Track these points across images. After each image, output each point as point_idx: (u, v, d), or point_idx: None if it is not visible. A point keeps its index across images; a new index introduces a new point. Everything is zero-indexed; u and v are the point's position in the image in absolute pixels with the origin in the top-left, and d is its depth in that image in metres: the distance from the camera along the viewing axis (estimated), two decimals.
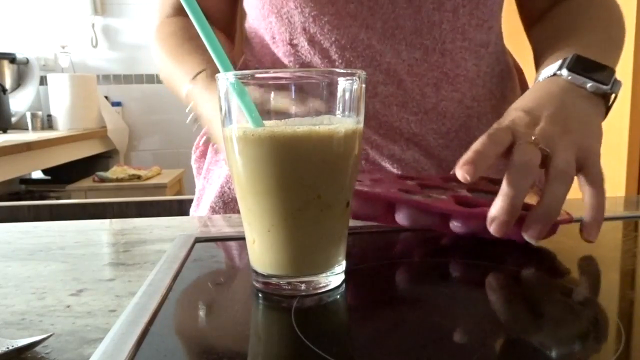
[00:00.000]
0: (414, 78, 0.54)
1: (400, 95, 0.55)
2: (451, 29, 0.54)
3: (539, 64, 0.55)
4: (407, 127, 0.55)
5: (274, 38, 0.58)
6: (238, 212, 0.61)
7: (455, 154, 0.56)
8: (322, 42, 0.54)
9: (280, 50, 0.57)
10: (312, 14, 0.54)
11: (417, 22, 0.53)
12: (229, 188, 0.61)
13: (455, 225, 0.41)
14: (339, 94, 0.31)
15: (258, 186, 0.31)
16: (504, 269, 0.38)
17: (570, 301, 0.32)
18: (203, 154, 0.70)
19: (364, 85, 0.33)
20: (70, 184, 2.42)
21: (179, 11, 0.66)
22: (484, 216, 0.38)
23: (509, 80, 0.63)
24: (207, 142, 0.70)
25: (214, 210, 0.62)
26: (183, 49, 0.60)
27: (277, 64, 0.58)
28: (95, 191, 2.35)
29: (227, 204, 0.61)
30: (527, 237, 0.38)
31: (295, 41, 0.56)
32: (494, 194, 0.38)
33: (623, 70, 1.62)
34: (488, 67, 0.59)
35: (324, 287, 0.33)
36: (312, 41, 0.55)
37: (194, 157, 0.71)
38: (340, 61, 0.54)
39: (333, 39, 0.53)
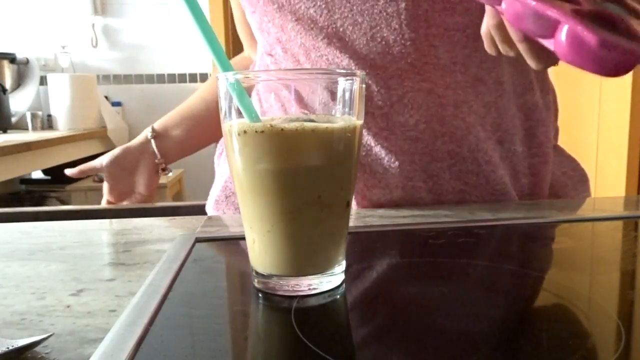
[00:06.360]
0: (377, 71, 0.54)
1: (364, 89, 0.54)
2: (412, 18, 0.52)
3: None
4: (373, 121, 0.54)
5: (260, 51, 0.63)
6: (238, 206, 0.62)
7: (428, 146, 0.55)
8: (292, 47, 0.56)
9: (267, 61, 0.62)
10: (280, 23, 0.56)
11: (374, 16, 0.53)
12: (231, 182, 0.64)
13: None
14: (339, 94, 0.31)
15: (258, 186, 0.31)
16: (504, 268, 0.38)
17: (570, 301, 0.32)
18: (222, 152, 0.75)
19: (363, 85, 0.33)
20: (70, 184, 2.42)
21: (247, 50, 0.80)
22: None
23: (507, 64, 0.58)
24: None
25: (217, 203, 0.66)
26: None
27: None
28: (95, 191, 2.35)
29: (228, 197, 0.65)
30: None
31: (273, 51, 0.59)
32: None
33: None
34: (473, 51, 0.55)
35: (324, 287, 0.33)
36: (284, 48, 0.57)
37: (216, 153, 0.77)
38: (307, 63, 0.56)
39: (299, 43, 0.55)
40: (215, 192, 0.68)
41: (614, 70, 0.28)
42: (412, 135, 0.55)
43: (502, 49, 0.40)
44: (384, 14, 0.52)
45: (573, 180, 0.65)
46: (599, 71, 0.28)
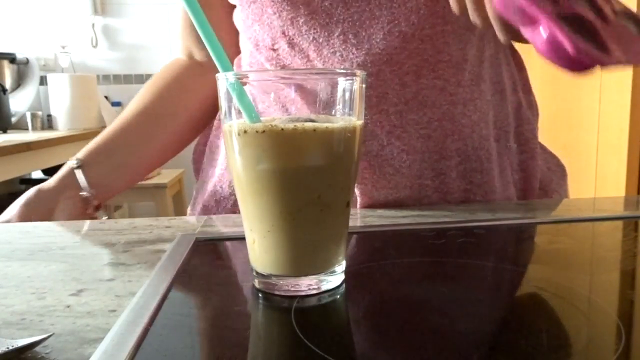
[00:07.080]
0: (393, 67, 0.53)
1: (380, 86, 0.54)
2: (430, 13, 0.53)
3: None
4: (387, 119, 0.54)
5: (257, 45, 0.59)
6: (230, 210, 0.61)
7: (439, 144, 0.55)
8: (300, 42, 0.55)
9: (263, 57, 0.59)
10: (290, 16, 0.54)
11: (392, 10, 0.52)
12: (221, 187, 0.61)
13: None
14: (339, 93, 0.31)
15: (258, 186, 0.31)
16: (504, 268, 0.38)
17: (570, 301, 0.32)
18: (201, 154, 0.71)
19: (364, 85, 0.33)
20: None
21: (188, 54, 0.76)
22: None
23: (505, 63, 0.62)
24: (205, 143, 0.70)
25: (206, 209, 0.62)
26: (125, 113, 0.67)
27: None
28: None
29: (219, 202, 0.61)
30: None
31: (276, 46, 0.57)
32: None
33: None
34: (477, 51, 0.57)
35: (324, 287, 0.33)
36: (291, 43, 0.55)
37: (192, 157, 0.72)
38: (318, 59, 0.54)
39: (311, 38, 0.54)
40: (202, 197, 0.63)
41: (581, 72, 0.32)
42: (425, 133, 0.55)
43: (472, 16, 0.41)
44: (403, 8, 0.53)
45: (557, 175, 0.67)
46: (567, 70, 0.33)
